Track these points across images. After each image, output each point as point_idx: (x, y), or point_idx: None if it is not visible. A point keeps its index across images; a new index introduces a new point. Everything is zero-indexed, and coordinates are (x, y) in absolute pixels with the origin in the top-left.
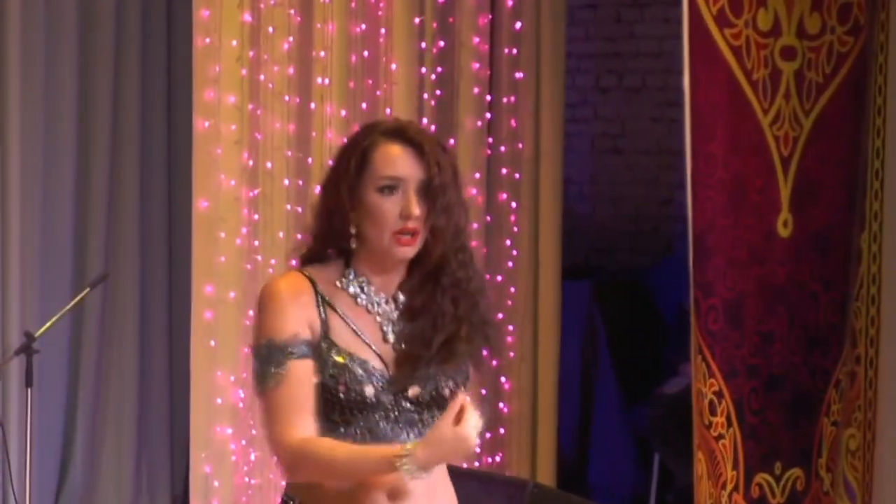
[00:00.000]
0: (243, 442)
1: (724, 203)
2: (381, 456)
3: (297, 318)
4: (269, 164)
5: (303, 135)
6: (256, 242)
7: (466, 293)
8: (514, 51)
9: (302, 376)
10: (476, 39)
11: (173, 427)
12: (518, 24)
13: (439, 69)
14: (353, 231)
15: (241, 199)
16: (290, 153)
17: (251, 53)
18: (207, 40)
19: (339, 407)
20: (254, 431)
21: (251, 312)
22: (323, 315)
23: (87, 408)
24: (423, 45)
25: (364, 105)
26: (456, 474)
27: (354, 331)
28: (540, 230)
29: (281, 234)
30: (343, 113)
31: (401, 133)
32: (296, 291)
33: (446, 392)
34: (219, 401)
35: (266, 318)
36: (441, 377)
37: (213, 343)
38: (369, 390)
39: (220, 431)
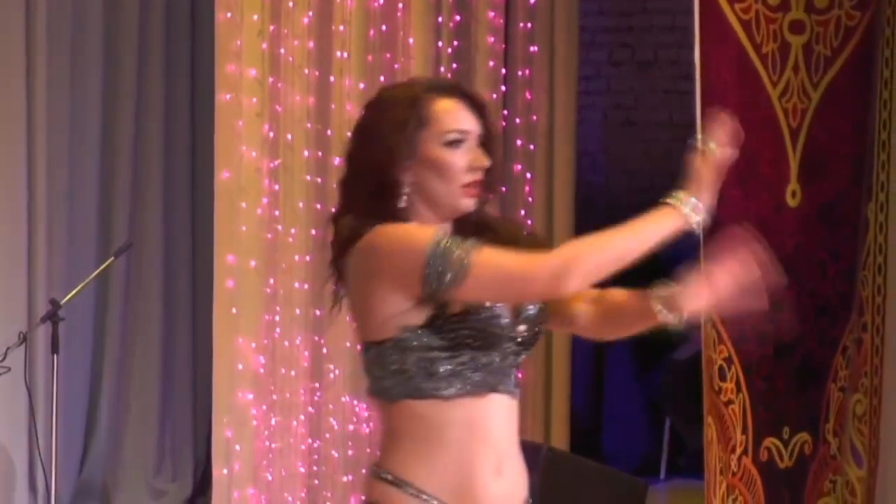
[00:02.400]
0: (264, 407)
1: (735, 175)
2: (656, 211)
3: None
4: (289, 136)
5: (322, 107)
6: (277, 212)
7: (502, 223)
8: (529, 25)
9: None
10: (491, 14)
11: (196, 392)
12: None
13: (455, 43)
14: (405, 189)
15: (262, 170)
16: (309, 125)
17: (272, 28)
18: (229, 15)
19: (468, 327)
20: (274, 397)
21: (272, 280)
22: None
23: (111, 374)
24: (440, 19)
25: (382, 78)
26: None
27: None
28: (554, 201)
29: (301, 205)
30: (361, 86)
31: (456, 89)
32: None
33: (539, 334)
34: (240, 367)
35: (411, 236)
36: (540, 316)
37: (234, 310)
38: (504, 319)
39: (241, 397)
